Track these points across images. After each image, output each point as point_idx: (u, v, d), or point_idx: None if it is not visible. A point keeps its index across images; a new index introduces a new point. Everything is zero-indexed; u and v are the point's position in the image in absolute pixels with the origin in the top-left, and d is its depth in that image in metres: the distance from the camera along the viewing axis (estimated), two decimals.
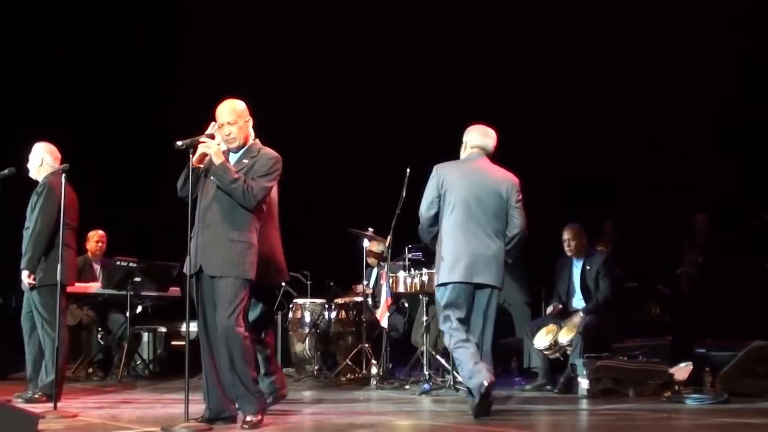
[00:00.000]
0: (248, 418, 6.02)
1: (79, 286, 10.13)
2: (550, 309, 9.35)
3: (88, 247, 11.15)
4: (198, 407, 6.68)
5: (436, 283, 7.20)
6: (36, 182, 8.02)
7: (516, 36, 12.58)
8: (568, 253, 9.48)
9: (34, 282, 7.71)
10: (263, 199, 6.15)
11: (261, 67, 13.22)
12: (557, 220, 9.74)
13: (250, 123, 6.33)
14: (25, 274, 7.72)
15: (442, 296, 7.05)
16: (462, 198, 6.98)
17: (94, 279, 10.90)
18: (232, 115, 6.23)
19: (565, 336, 9.04)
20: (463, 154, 7.30)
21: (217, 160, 6.07)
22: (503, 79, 12.57)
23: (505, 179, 7.16)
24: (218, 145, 6.14)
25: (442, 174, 7.07)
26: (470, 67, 12.92)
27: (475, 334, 7.07)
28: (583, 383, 8.54)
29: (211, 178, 6.13)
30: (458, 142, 7.35)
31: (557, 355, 9.18)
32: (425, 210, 7.12)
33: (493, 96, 11.92)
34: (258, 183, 6.08)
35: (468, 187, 7.02)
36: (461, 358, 6.89)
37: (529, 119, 12.36)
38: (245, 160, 6.21)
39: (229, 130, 6.20)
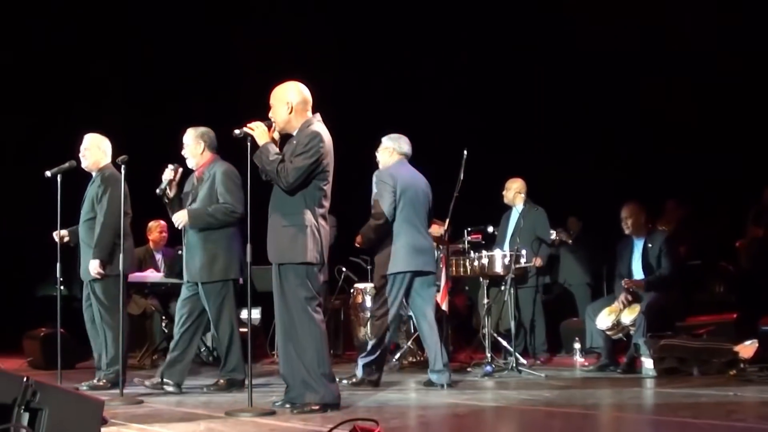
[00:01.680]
0: (307, 405, 6.07)
1: (142, 276, 10.27)
2: (621, 298, 9.20)
3: (150, 237, 11.29)
4: (261, 393, 6.78)
5: (390, 272, 7.73)
6: (86, 173, 8.20)
7: None
8: (626, 232, 9.40)
9: (103, 272, 7.83)
10: (296, 179, 6.10)
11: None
12: (619, 200, 9.65)
13: (294, 105, 6.32)
14: (96, 263, 7.83)
15: (401, 284, 7.75)
16: (409, 198, 7.83)
17: (156, 268, 11.03)
18: (271, 99, 6.40)
19: (628, 316, 8.97)
20: (389, 159, 8.06)
21: (260, 141, 6.17)
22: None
23: (427, 184, 8.15)
24: (269, 126, 6.26)
25: (395, 177, 7.80)
26: None
27: (424, 316, 7.95)
28: (647, 363, 8.49)
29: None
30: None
31: (620, 335, 9.12)
32: (391, 210, 7.73)
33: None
34: (292, 163, 6.10)
35: (413, 189, 7.91)
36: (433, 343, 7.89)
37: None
38: (294, 142, 6.29)
39: (271, 113, 6.32)
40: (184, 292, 7.68)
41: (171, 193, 7.58)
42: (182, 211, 7.53)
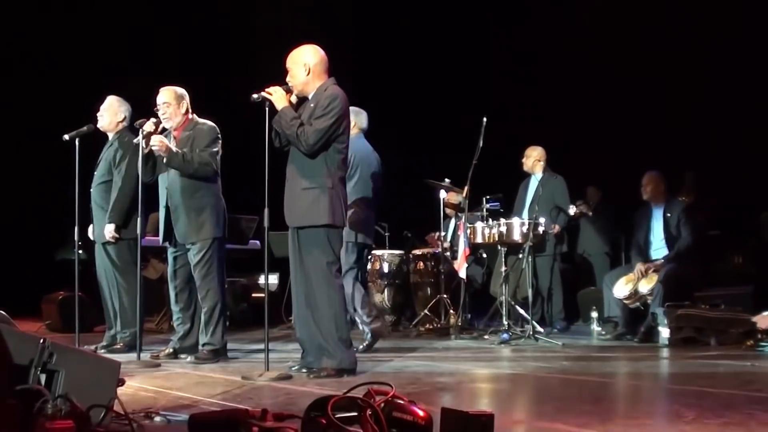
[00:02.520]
0: (324, 370, 6.09)
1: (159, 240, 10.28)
2: (638, 268, 9.17)
3: None
4: (278, 356, 6.79)
5: (350, 240, 7.79)
6: (103, 134, 8.22)
7: None
8: (645, 197, 9.37)
9: (118, 236, 7.85)
10: (317, 142, 6.07)
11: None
12: (639, 170, 9.60)
13: (311, 67, 6.27)
14: (111, 228, 7.84)
15: (360, 253, 8.03)
16: (364, 173, 7.96)
17: None
18: (288, 62, 6.35)
19: (646, 285, 8.95)
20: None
21: (279, 105, 6.14)
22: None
23: (380, 161, 8.24)
24: (288, 91, 6.23)
25: (353, 151, 7.48)
26: None
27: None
28: (664, 332, 8.46)
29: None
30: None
31: (637, 304, 9.10)
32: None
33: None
34: (312, 126, 6.08)
35: (367, 163, 8.02)
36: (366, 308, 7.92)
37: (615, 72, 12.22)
38: (311, 104, 6.24)
39: (288, 77, 6.29)
40: (172, 263, 7.54)
41: (146, 148, 7.29)
42: (165, 141, 7.26)
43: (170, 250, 7.56)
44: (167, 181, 7.45)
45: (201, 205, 7.36)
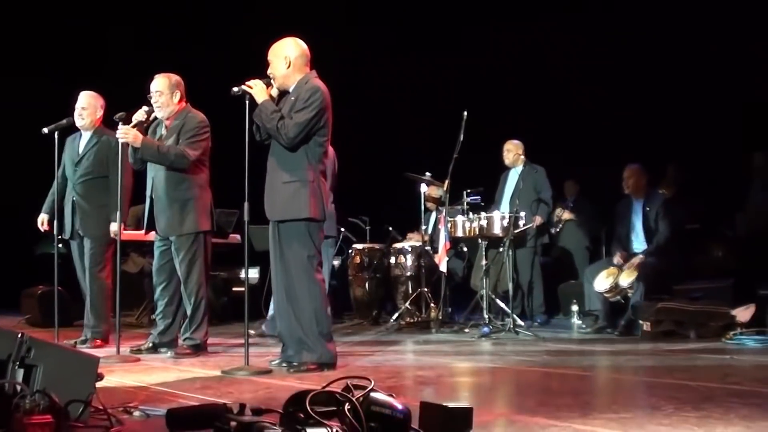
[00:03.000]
0: (304, 364, 6.09)
1: (140, 234, 10.23)
2: (616, 259, 9.23)
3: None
4: (258, 351, 6.78)
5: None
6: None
7: None
8: (626, 191, 9.39)
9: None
10: (297, 135, 6.05)
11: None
12: (619, 164, 9.62)
13: (292, 60, 6.26)
14: (116, 226, 7.65)
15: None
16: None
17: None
18: (270, 54, 6.34)
19: (626, 278, 8.97)
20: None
21: (259, 99, 6.13)
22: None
23: (335, 155, 8.16)
24: (268, 84, 6.20)
25: None
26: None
27: None
28: (644, 325, 8.48)
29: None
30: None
31: (618, 297, 9.11)
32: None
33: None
34: (293, 119, 6.06)
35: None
36: None
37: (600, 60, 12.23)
38: (292, 98, 6.23)
39: (269, 69, 6.27)
40: (159, 257, 7.45)
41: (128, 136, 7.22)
42: (135, 132, 7.15)
43: (156, 244, 7.48)
44: (153, 171, 7.38)
45: (185, 197, 7.29)
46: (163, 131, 7.41)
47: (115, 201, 7.64)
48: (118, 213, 7.57)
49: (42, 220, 8.26)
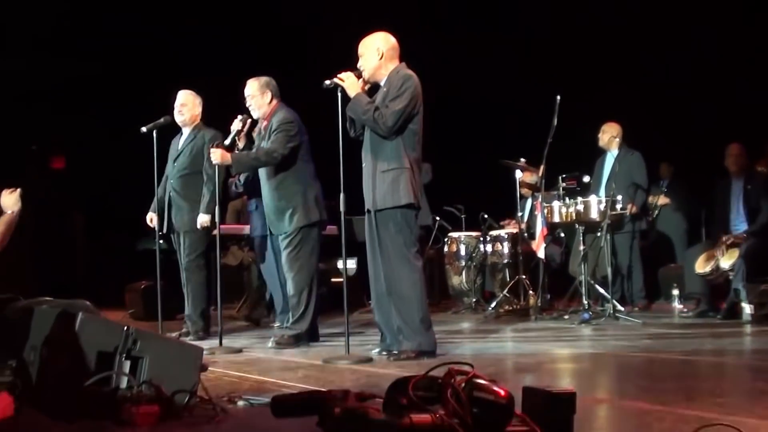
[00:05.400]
0: (404, 352, 6.10)
1: (238, 228, 10.37)
2: (722, 239, 9.05)
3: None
4: (358, 340, 6.82)
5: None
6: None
7: None
8: (731, 168, 9.22)
9: (209, 225, 7.96)
10: (396, 123, 6.09)
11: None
12: (714, 144, 9.44)
13: (384, 51, 6.30)
14: (206, 218, 7.95)
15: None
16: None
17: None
18: (360, 48, 6.38)
19: (727, 260, 8.81)
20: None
21: (351, 93, 6.16)
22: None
23: None
24: (360, 77, 6.25)
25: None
26: None
27: None
28: (747, 308, 8.34)
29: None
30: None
31: (719, 280, 8.96)
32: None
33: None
34: (388, 108, 6.09)
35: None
36: None
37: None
38: (384, 89, 6.25)
39: (360, 62, 6.30)
40: (270, 256, 7.72)
41: (240, 144, 7.60)
42: (224, 153, 7.40)
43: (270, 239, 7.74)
44: (257, 172, 7.63)
45: (289, 193, 7.43)
46: (261, 131, 7.61)
47: (213, 196, 7.83)
48: (202, 206, 7.96)
49: (150, 217, 8.42)
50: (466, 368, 3.35)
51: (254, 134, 7.72)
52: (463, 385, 3.25)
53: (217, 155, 7.39)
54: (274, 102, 7.61)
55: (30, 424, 3.83)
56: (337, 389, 3.60)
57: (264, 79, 7.63)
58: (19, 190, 5.05)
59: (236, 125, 7.49)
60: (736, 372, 5.85)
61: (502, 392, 3.23)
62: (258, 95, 7.57)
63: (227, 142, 7.50)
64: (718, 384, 5.20)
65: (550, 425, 3.26)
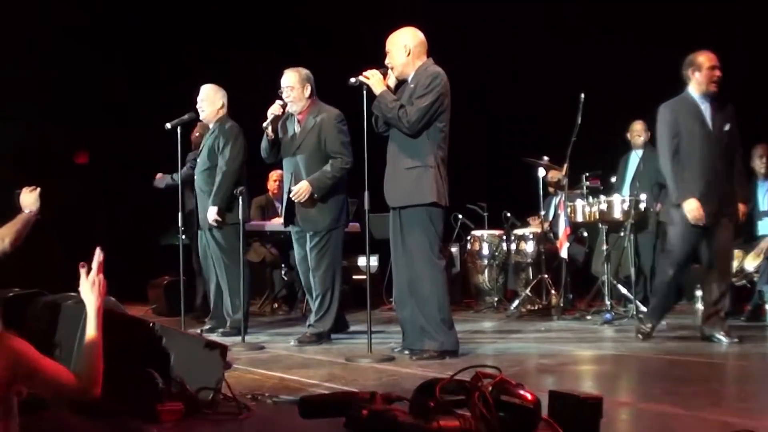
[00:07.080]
0: (426, 351, 6.10)
1: (261, 224, 10.37)
2: (763, 244, 8.96)
3: (268, 186, 11.38)
4: (379, 338, 6.82)
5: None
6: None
7: None
8: (761, 171, 9.15)
9: (220, 219, 7.94)
10: (420, 120, 6.08)
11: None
12: (744, 146, 9.36)
13: (411, 48, 6.30)
14: (214, 210, 7.92)
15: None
16: None
17: (276, 217, 11.14)
18: (388, 44, 6.38)
19: (751, 262, 8.77)
20: None
21: (377, 89, 6.16)
22: None
23: None
24: (385, 74, 6.25)
25: None
26: None
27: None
28: None
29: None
30: None
31: (743, 282, 8.92)
32: None
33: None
34: (414, 105, 6.08)
35: None
36: None
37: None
38: (411, 85, 6.25)
39: (388, 59, 6.30)
40: (299, 248, 7.57)
41: (272, 133, 7.45)
42: (302, 183, 7.26)
43: (294, 236, 7.61)
44: (292, 167, 7.46)
45: (329, 193, 7.39)
46: (296, 127, 7.46)
47: (219, 189, 7.91)
48: (211, 198, 7.98)
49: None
50: (493, 371, 3.35)
51: (279, 125, 7.58)
52: (490, 388, 3.25)
53: (303, 189, 7.24)
54: (313, 97, 7.49)
55: (52, 419, 3.84)
56: (365, 391, 3.60)
57: (305, 71, 7.47)
58: (38, 189, 5.05)
59: (275, 109, 7.34)
60: (761, 376, 5.83)
61: (530, 396, 3.22)
62: (299, 87, 7.39)
63: (265, 124, 7.38)
64: (742, 387, 5.18)
65: (576, 430, 3.26)
